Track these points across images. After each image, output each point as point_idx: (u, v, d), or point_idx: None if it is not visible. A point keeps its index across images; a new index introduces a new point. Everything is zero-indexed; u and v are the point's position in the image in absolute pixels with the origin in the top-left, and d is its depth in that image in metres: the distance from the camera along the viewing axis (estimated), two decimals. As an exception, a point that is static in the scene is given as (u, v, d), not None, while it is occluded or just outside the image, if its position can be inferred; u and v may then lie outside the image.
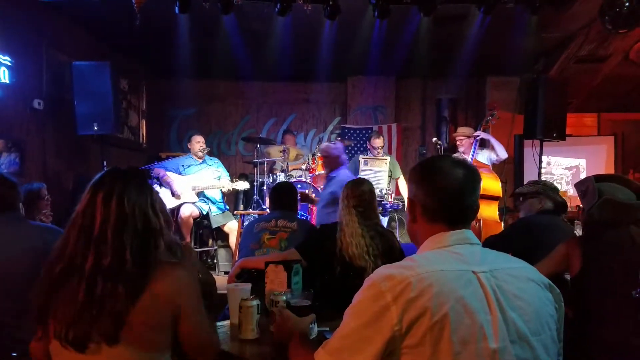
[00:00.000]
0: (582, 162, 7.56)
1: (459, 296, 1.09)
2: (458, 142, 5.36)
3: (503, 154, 5.18)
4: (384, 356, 1.08)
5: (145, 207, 1.44)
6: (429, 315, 1.05)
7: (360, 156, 5.87)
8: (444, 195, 1.26)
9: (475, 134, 5.18)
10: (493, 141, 5.23)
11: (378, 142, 5.92)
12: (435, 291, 1.08)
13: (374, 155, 5.85)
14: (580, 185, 2.24)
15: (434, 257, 1.20)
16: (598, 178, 2.19)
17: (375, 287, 1.11)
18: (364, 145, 7.78)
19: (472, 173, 1.30)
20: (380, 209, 5.40)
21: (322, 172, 6.02)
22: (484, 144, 5.31)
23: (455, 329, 1.05)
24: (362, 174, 5.51)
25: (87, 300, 1.31)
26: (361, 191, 2.67)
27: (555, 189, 3.18)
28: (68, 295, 1.33)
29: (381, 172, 5.68)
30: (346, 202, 2.63)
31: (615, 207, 2.07)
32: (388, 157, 5.85)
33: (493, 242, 3.04)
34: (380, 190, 5.44)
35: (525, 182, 3.57)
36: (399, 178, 5.94)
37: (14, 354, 1.97)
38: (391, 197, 5.46)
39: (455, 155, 5.49)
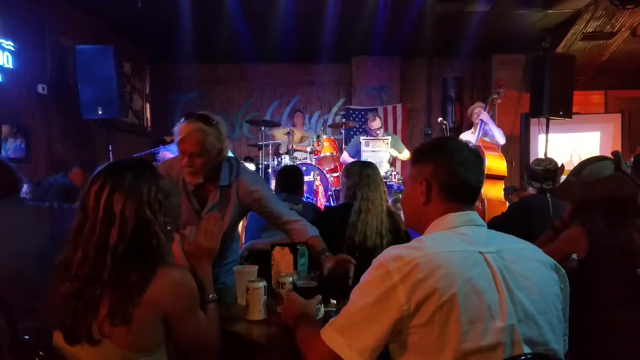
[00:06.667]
0: (589, 141, 7.52)
1: (467, 277, 1.09)
2: (477, 114, 5.28)
3: (501, 141, 5.21)
4: (391, 335, 1.10)
5: (138, 206, 1.30)
6: (438, 295, 1.06)
7: (361, 137, 5.80)
8: (466, 172, 1.26)
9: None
10: (493, 126, 5.23)
11: (374, 124, 5.83)
12: (444, 272, 1.08)
13: (374, 137, 5.81)
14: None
15: (441, 238, 1.21)
16: (591, 160, 2.26)
17: (383, 267, 1.12)
18: (369, 126, 7.75)
19: (478, 153, 1.33)
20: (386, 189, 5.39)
21: (327, 154, 6.01)
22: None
23: (464, 309, 1.06)
24: (364, 155, 5.49)
25: (70, 299, 1.26)
26: (380, 172, 2.83)
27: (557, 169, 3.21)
28: (58, 290, 1.29)
29: (382, 153, 5.65)
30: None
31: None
32: (389, 137, 5.79)
33: (497, 224, 3.05)
34: (386, 172, 5.42)
35: (531, 161, 3.56)
36: (402, 152, 5.86)
37: (27, 337, 2.00)
38: (395, 178, 5.43)
39: (464, 133, 5.49)
